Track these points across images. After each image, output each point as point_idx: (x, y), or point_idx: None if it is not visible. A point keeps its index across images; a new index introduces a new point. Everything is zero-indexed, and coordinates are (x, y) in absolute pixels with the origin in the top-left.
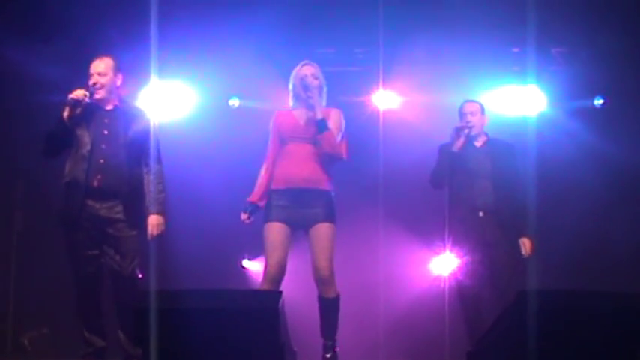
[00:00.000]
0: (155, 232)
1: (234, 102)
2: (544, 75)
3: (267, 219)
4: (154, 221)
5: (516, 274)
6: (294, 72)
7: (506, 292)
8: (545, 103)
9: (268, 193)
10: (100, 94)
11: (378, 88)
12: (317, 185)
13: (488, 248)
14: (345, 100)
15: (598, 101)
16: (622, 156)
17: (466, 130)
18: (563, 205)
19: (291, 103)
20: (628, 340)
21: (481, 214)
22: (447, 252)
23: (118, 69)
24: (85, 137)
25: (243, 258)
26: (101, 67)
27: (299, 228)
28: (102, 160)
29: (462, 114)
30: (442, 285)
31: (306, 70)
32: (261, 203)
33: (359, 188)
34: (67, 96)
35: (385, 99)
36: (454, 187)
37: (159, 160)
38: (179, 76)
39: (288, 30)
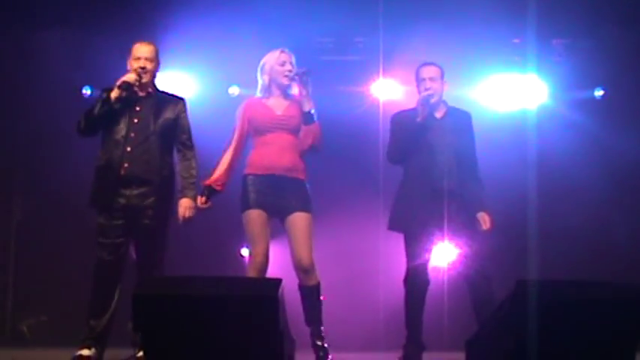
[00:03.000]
0: (187, 215)
1: (234, 90)
2: (544, 66)
3: (246, 206)
4: (187, 204)
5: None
6: (270, 58)
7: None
8: (545, 94)
9: (244, 179)
10: (145, 79)
11: (378, 77)
12: (295, 174)
13: (453, 233)
14: (344, 89)
15: (598, 92)
16: (622, 147)
17: (432, 100)
18: (564, 196)
19: (260, 90)
20: (627, 331)
21: (444, 194)
22: (447, 242)
23: (159, 57)
24: (120, 123)
25: (242, 247)
26: (149, 52)
27: (275, 215)
28: (129, 148)
29: (420, 79)
30: (441, 275)
31: (286, 57)
32: (219, 188)
33: (359, 178)
34: (72, 86)
35: (385, 89)
36: (414, 164)
37: (192, 146)
38: (179, 64)
39: (288, 18)
